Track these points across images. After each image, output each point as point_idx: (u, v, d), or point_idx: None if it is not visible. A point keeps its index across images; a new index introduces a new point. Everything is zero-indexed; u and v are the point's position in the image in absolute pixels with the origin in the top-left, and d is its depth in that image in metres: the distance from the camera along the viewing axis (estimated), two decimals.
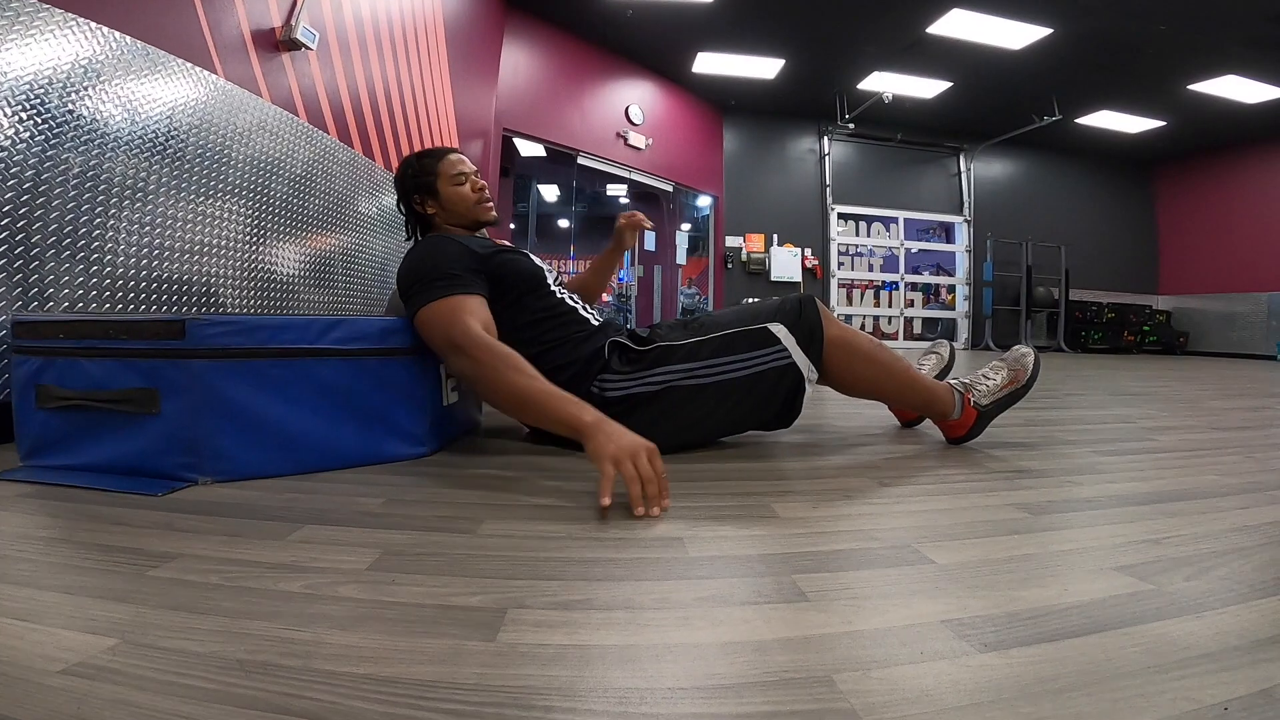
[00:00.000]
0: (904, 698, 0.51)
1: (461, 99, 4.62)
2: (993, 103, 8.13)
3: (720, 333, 1.44)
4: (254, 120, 2.23)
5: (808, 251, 8.92)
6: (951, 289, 9.96)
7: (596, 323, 1.56)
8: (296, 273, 2.46)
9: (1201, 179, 9.71)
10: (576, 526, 0.94)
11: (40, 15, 1.49)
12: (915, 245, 9.86)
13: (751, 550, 0.85)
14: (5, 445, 1.33)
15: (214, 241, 2.02)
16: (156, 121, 1.81)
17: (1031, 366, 1.60)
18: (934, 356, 1.93)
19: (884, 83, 7.64)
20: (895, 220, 9.56)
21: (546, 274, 1.57)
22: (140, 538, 0.84)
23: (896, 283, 9.64)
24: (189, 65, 1.94)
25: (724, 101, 8.59)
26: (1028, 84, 7.44)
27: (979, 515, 1.03)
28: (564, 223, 10.96)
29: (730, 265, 8.62)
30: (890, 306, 9.66)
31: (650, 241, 8.62)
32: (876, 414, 2.06)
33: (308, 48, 2.70)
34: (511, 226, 8.68)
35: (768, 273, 8.68)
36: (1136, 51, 6.47)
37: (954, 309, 9.87)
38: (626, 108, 7.31)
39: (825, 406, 2.33)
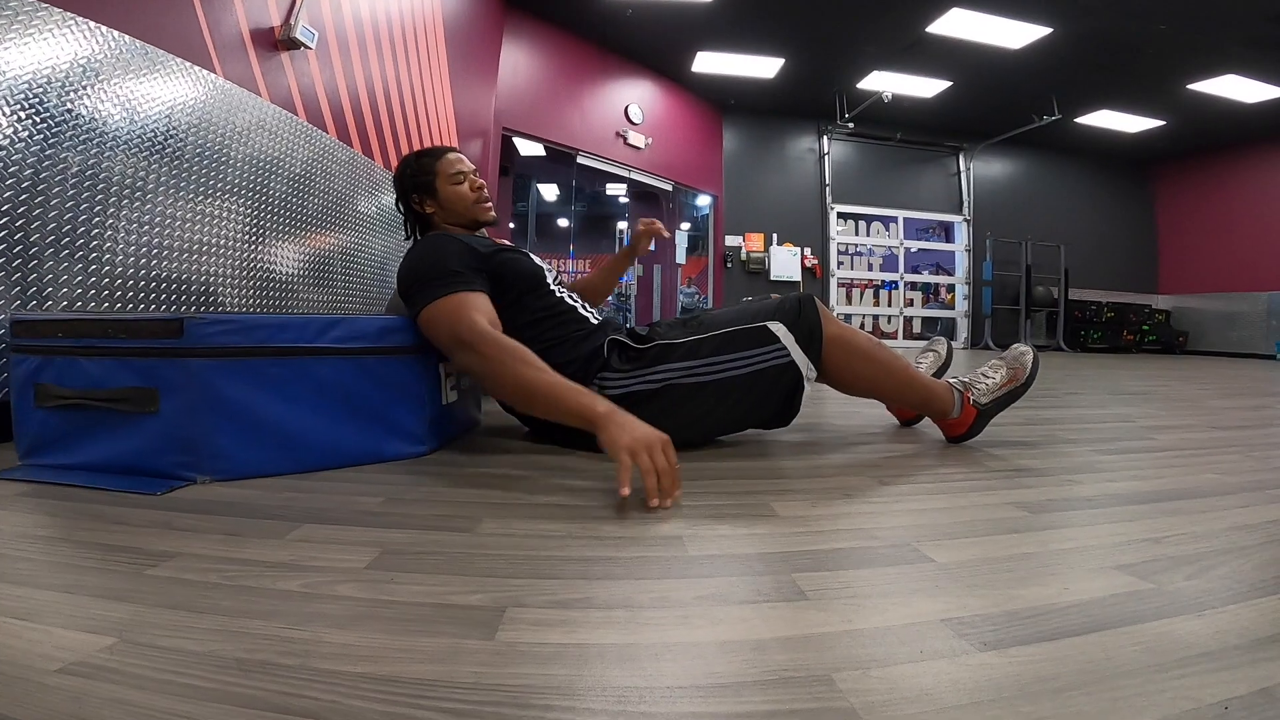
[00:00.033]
0: (903, 697, 0.51)
1: (461, 98, 4.62)
2: (992, 102, 8.12)
3: (719, 331, 1.44)
4: (253, 119, 2.22)
5: (807, 251, 8.92)
6: (951, 288, 9.96)
7: (596, 321, 1.56)
8: (295, 272, 2.45)
9: (1201, 178, 9.71)
10: (576, 525, 0.93)
11: (39, 14, 1.49)
12: (915, 244, 9.86)
13: (751, 549, 0.85)
14: (4, 444, 1.32)
15: (213, 241, 2.02)
16: (155, 121, 1.81)
17: (1030, 365, 1.60)
18: (931, 354, 1.93)
19: (883, 82, 7.64)
20: (895, 219, 9.56)
21: (546, 273, 1.57)
22: (138, 537, 0.84)
23: (896, 282, 9.64)
24: (188, 64, 1.94)
25: (723, 101, 8.58)
26: (1027, 83, 7.44)
27: (979, 514, 1.02)
28: (563, 222, 10.96)
29: (730, 264, 8.62)
30: (890, 306, 9.67)
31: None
32: (876, 413, 2.06)
33: (307, 47, 2.70)
34: (511, 226, 8.68)
35: (767, 272, 8.68)
36: (1136, 51, 6.47)
37: (953, 308, 9.87)
38: (626, 107, 7.31)
39: (824, 405, 2.33)
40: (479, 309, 1.31)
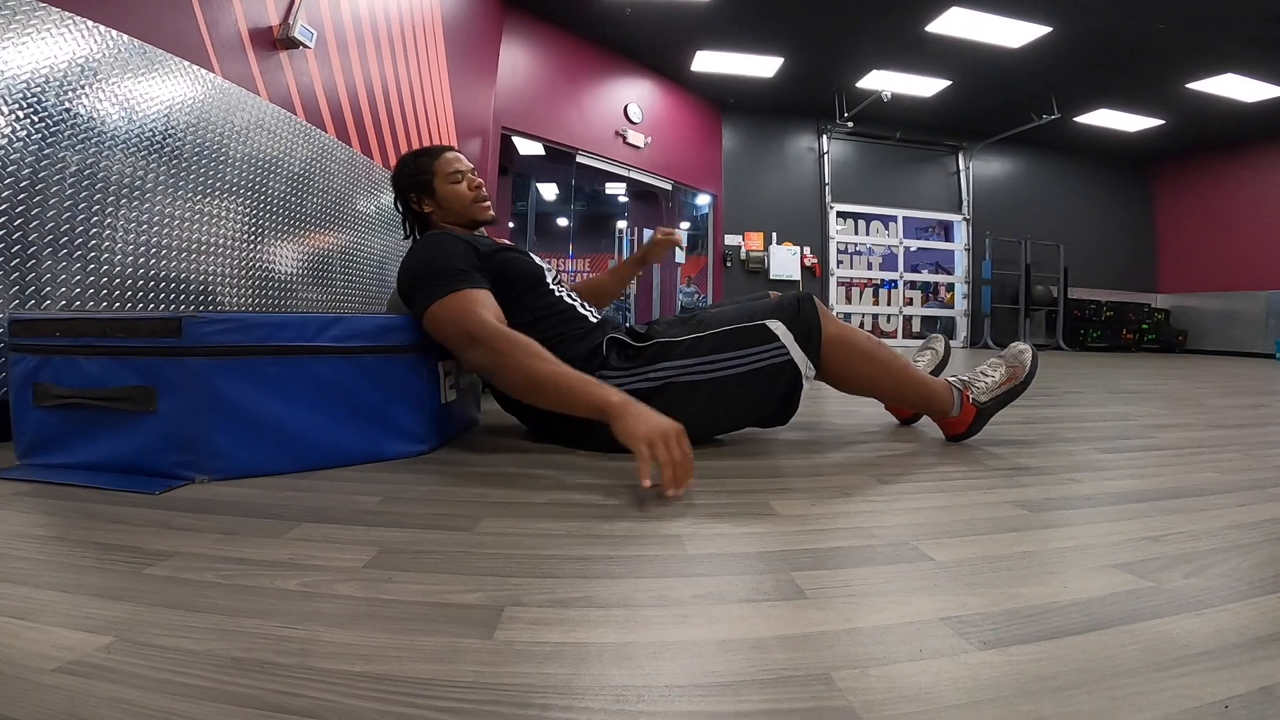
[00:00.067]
0: (902, 695, 0.50)
1: (460, 97, 4.62)
2: (991, 101, 8.12)
3: (718, 329, 1.44)
4: (252, 119, 2.22)
5: (807, 250, 8.92)
6: (950, 287, 9.96)
7: (594, 320, 1.56)
8: (295, 271, 2.45)
9: (1200, 177, 9.72)
10: (574, 524, 0.93)
11: (37, 14, 1.48)
12: (914, 243, 9.87)
13: (750, 548, 0.85)
14: (3, 444, 1.32)
15: (212, 240, 2.02)
16: (154, 120, 1.80)
17: (1030, 363, 1.60)
18: (929, 352, 1.93)
19: (883, 81, 7.64)
20: (894, 218, 9.56)
21: (546, 273, 1.57)
22: (137, 536, 0.84)
23: (895, 281, 9.65)
24: (186, 64, 1.94)
25: (723, 100, 8.58)
26: (1026, 82, 7.44)
27: (978, 512, 1.02)
28: (563, 221, 10.96)
29: (729, 264, 8.62)
30: (889, 305, 9.67)
31: (649, 240, 8.61)
32: (875, 411, 2.05)
33: (306, 46, 2.70)
34: (510, 225, 8.68)
35: (767, 271, 8.68)
36: (1135, 50, 6.47)
37: (953, 307, 9.87)
38: (625, 106, 7.30)
39: (823, 404, 2.33)
40: (485, 305, 1.32)
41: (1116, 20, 5.90)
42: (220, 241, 2.05)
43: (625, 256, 8.33)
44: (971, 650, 0.57)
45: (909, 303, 9.77)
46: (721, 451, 1.48)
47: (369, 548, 0.81)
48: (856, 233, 9.54)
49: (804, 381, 1.44)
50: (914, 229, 9.86)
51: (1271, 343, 8.39)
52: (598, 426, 1.40)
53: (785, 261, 8.75)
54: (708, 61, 7.37)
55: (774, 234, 8.80)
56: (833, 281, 9.14)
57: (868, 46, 6.96)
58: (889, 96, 7.59)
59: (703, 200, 8.82)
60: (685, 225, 9.09)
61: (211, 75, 2.06)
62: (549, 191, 9.80)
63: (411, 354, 1.36)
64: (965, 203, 9.71)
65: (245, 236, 2.17)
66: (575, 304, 1.56)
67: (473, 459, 1.38)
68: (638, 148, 7.39)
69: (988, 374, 1.61)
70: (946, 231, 10.07)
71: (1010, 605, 0.67)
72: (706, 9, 6.14)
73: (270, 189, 2.31)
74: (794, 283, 8.66)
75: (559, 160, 6.94)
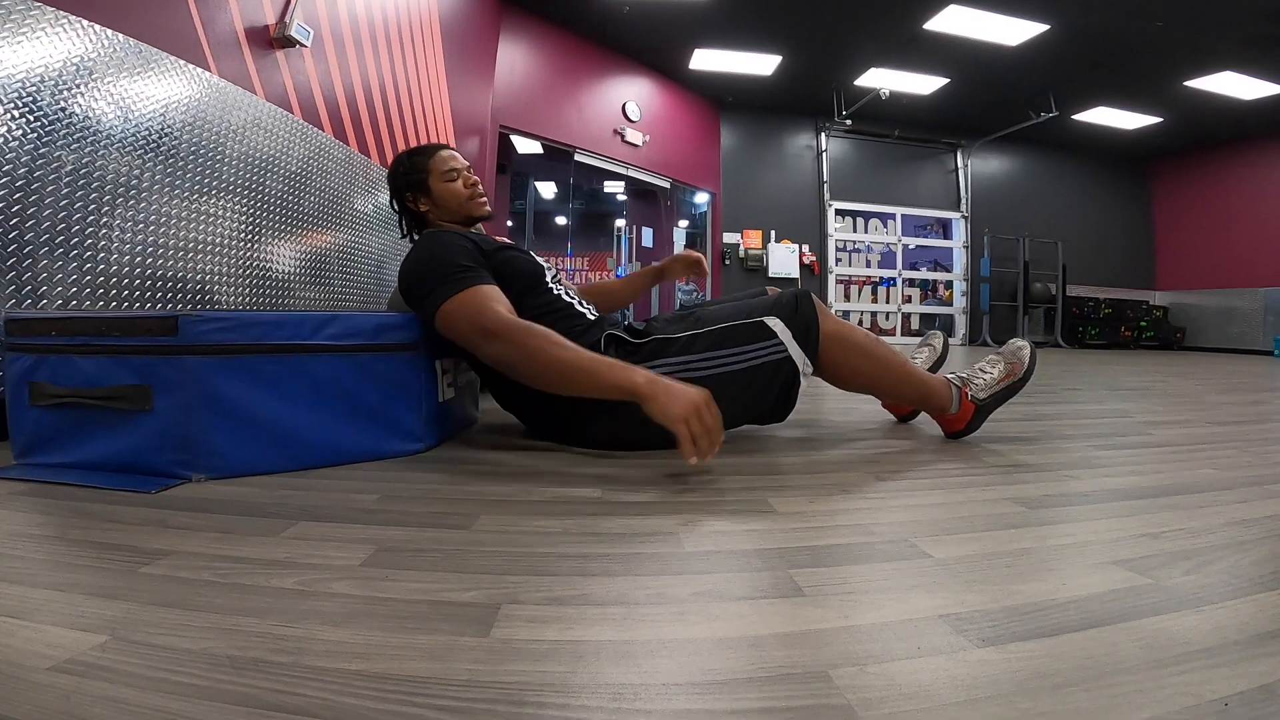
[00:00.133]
0: (901, 693, 0.50)
1: (457, 96, 4.61)
2: (990, 99, 8.12)
3: (716, 326, 1.44)
4: (248, 117, 2.21)
5: (805, 248, 8.92)
6: (949, 285, 9.97)
7: (592, 317, 1.55)
8: (292, 270, 2.45)
9: (1198, 175, 9.72)
10: (572, 522, 0.93)
11: (32, 13, 1.48)
12: (913, 241, 9.88)
13: (748, 545, 0.84)
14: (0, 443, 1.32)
15: (209, 239, 2.01)
16: (150, 119, 1.80)
17: (1028, 359, 1.60)
18: (927, 349, 1.93)
19: (881, 79, 7.64)
20: (893, 216, 9.57)
21: (546, 272, 1.57)
22: (133, 535, 0.84)
23: (894, 278, 9.65)
24: (182, 62, 1.93)
25: (721, 98, 8.58)
26: (1025, 80, 7.44)
27: (976, 509, 1.02)
28: (561, 220, 10.96)
29: (728, 261, 8.62)
30: (888, 302, 9.67)
31: (648, 238, 8.62)
32: (873, 408, 2.05)
33: (302, 45, 2.69)
34: (509, 224, 8.67)
35: (766, 269, 8.68)
36: (1133, 48, 6.47)
37: (951, 305, 9.88)
38: (624, 104, 7.30)
39: (822, 401, 2.33)
40: (498, 301, 1.32)
41: (1114, 18, 5.90)
42: (217, 241, 2.05)
43: (624, 255, 8.37)
44: (970, 648, 0.57)
45: (907, 300, 9.77)
46: (721, 449, 1.47)
47: (366, 546, 0.81)
48: (855, 230, 9.55)
49: (802, 378, 1.44)
50: (912, 226, 9.87)
51: (1269, 340, 8.41)
52: (595, 424, 1.41)
53: (784, 259, 8.75)
54: (706, 59, 7.36)
55: (772, 232, 8.80)
56: (831, 279, 9.14)
57: (866, 44, 6.96)
58: (887, 94, 7.59)
59: (701, 198, 8.82)
60: (684, 223, 9.08)
61: (208, 74, 2.05)
62: (547, 190, 9.80)
63: (409, 352, 1.35)
64: (964, 200, 9.71)
65: (242, 236, 2.17)
66: (573, 301, 1.56)
67: (470, 457, 1.37)
68: (636, 146, 7.39)
69: (986, 371, 1.61)
70: (945, 229, 10.07)
71: (1009, 602, 0.67)
72: (705, 7, 6.13)
73: (267, 188, 2.30)
74: (793, 280, 8.66)
75: (557, 159, 6.94)
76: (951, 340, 9.18)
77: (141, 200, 1.76)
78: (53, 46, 1.52)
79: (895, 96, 7.82)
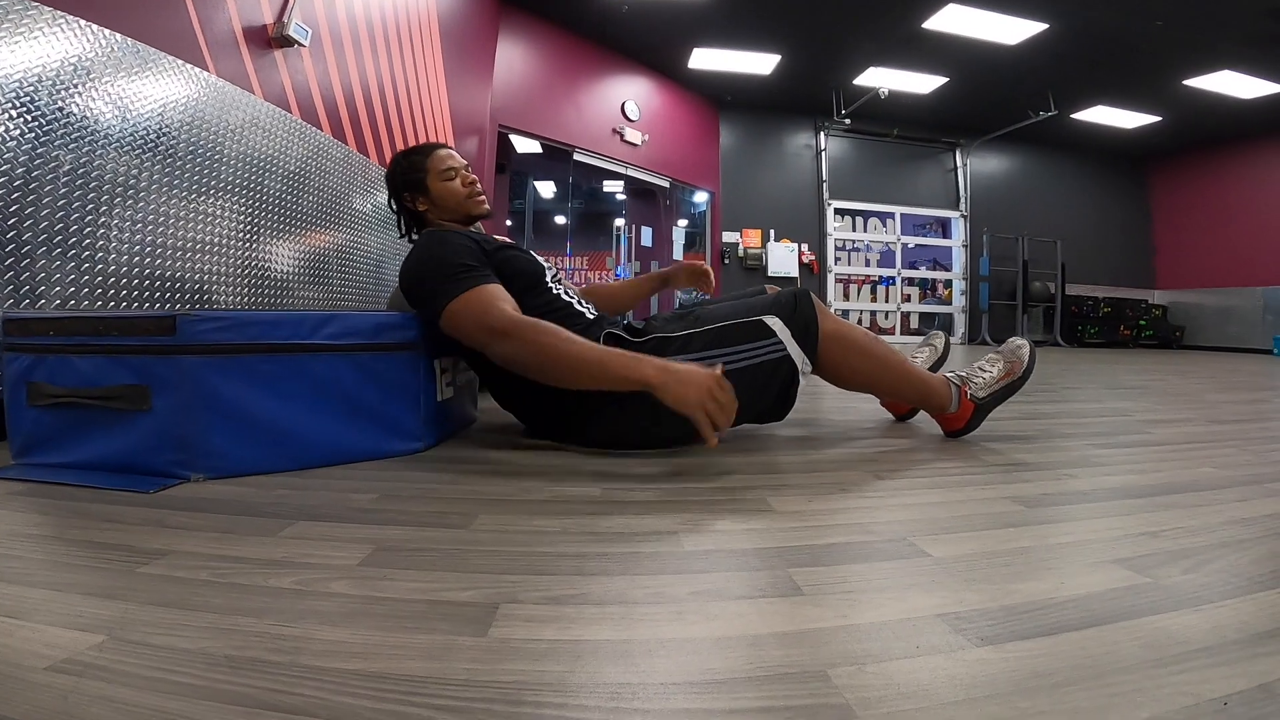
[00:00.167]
0: (899, 692, 0.50)
1: (456, 95, 4.61)
2: (989, 98, 8.12)
3: (715, 325, 1.44)
4: (247, 117, 2.21)
5: (804, 247, 8.92)
6: (948, 284, 9.97)
7: (591, 316, 1.55)
8: (291, 270, 2.44)
9: (1197, 174, 9.73)
10: (570, 521, 0.93)
11: (29, 13, 1.47)
12: (912, 240, 9.88)
13: (746, 544, 0.84)
14: None
15: (207, 239, 2.01)
16: (148, 119, 1.79)
17: (1027, 358, 1.60)
18: (928, 348, 1.93)
19: (880, 78, 7.64)
20: (892, 215, 9.57)
21: (546, 272, 1.56)
22: (131, 535, 0.83)
23: (893, 278, 9.65)
24: (180, 62, 1.93)
25: (720, 97, 8.57)
26: (1024, 79, 7.44)
27: (975, 508, 1.02)
28: (560, 219, 10.95)
29: (727, 260, 8.62)
30: (887, 301, 9.67)
31: (647, 237, 8.62)
32: (872, 407, 2.05)
33: (300, 44, 2.69)
34: (508, 224, 8.67)
35: (765, 268, 8.68)
36: (1132, 47, 6.47)
37: (951, 304, 9.88)
38: (622, 104, 7.29)
39: (821, 400, 2.33)
40: (504, 299, 1.32)
41: (1113, 17, 5.90)
42: (216, 240, 2.05)
43: (624, 255, 8.36)
44: (968, 647, 0.57)
45: (907, 299, 9.78)
46: (718, 448, 1.47)
47: (364, 545, 0.81)
48: (854, 229, 9.55)
49: (801, 377, 1.43)
50: (912, 225, 9.87)
51: (1268, 338, 8.41)
52: (594, 424, 1.41)
53: (783, 258, 8.76)
54: (705, 59, 7.36)
55: (772, 231, 8.81)
56: (830, 278, 9.14)
57: (865, 44, 6.96)
58: (886, 93, 7.58)
59: (700, 198, 8.82)
60: (683, 222, 9.08)
61: (206, 74, 2.05)
62: (546, 189, 9.79)
63: (408, 351, 1.35)
64: (963, 199, 9.72)
65: (241, 235, 2.16)
66: (572, 301, 1.56)
67: (469, 456, 1.37)
68: (635, 145, 7.38)
69: (985, 370, 1.61)
70: (944, 228, 10.08)
71: (1007, 601, 0.67)
72: (703, 6, 6.13)
73: (266, 188, 2.30)
74: (792, 279, 8.66)
75: (556, 158, 6.94)
76: (950, 339, 9.19)
77: (140, 200, 1.76)
78: (50, 46, 1.52)
79: (894, 95, 7.82)
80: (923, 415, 1.85)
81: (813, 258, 8.96)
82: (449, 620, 0.61)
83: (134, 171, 1.74)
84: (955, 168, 9.78)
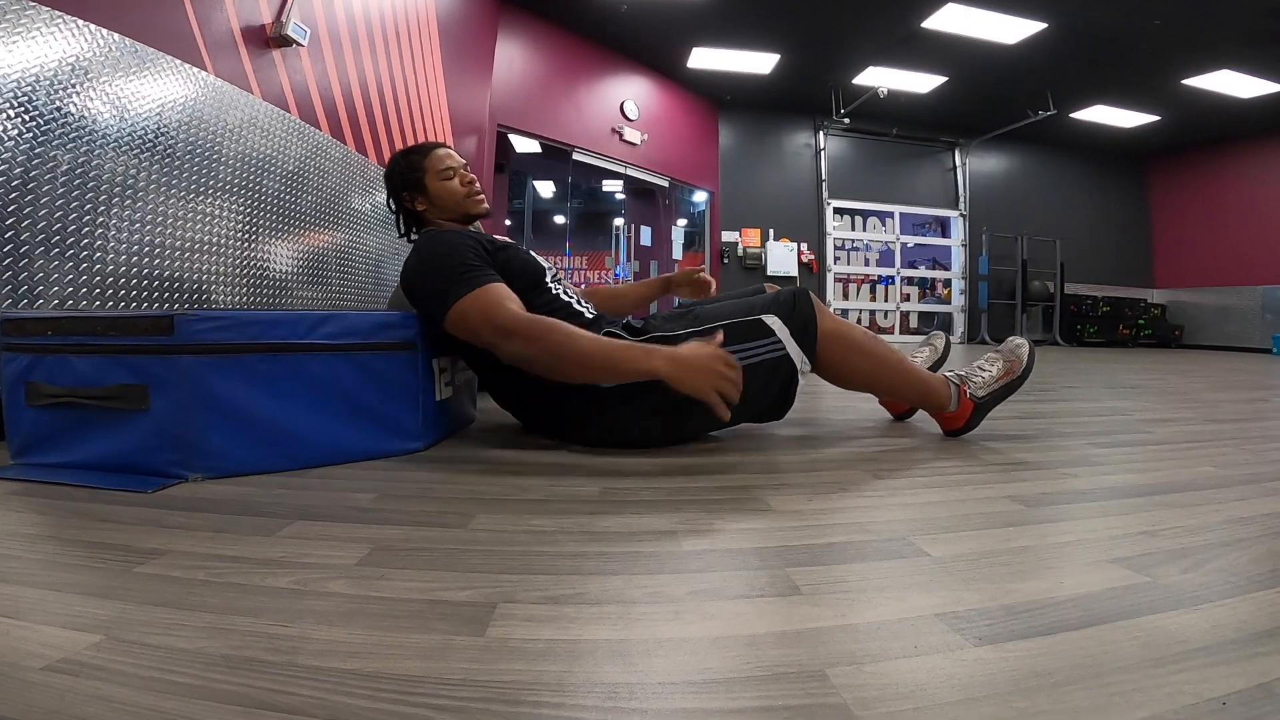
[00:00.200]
0: (897, 692, 0.50)
1: (455, 95, 4.61)
2: (988, 97, 8.12)
3: (715, 324, 1.43)
4: (245, 117, 2.21)
5: (804, 246, 8.92)
6: (948, 283, 9.97)
7: (590, 315, 1.55)
8: (290, 270, 2.44)
9: (1196, 173, 9.73)
10: (568, 520, 0.93)
11: (27, 13, 1.47)
12: (911, 240, 9.87)
13: (745, 543, 0.84)
14: None
15: (206, 239, 2.01)
16: (146, 118, 1.79)
17: (1027, 357, 1.60)
18: (929, 348, 1.93)
19: (879, 77, 7.63)
20: (891, 215, 9.57)
21: (546, 272, 1.56)
22: (128, 534, 0.83)
23: (893, 277, 9.65)
24: (178, 62, 1.93)
25: (719, 96, 8.57)
26: (1022, 79, 7.44)
27: (974, 507, 1.02)
28: (559, 219, 10.95)
29: (727, 260, 8.62)
30: (886, 300, 9.67)
31: (646, 237, 8.63)
32: (871, 406, 2.05)
33: (299, 44, 2.69)
34: (507, 223, 8.67)
35: (764, 267, 8.68)
36: (1131, 46, 6.47)
37: (950, 303, 9.89)
38: (622, 103, 7.29)
39: (820, 399, 2.33)
40: (510, 298, 1.33)
41: (1112, 16, 5.90)
42: (214, 240, 2.04)
43: (623, 254, 8.36)
44: (967, 646, 0.57)
45: (906, 299, 9.77)
46: (717, 446, 1.47)
47: (362, 545, 0.81)
48: (853, 229, 9.54)
49: (800, 376, 1.44)
50: (911, 225, 9.87)
51: (1267, 337, 8.41)
52: (593, 423, 1.41)
53: (782, 257, 8.76)
54: (704, 58, 7.36)
55: (771, 230, 8.81)
56: (830, 277, 9.14)
57: (864, 43, 6.96)
58: (885, 93, 7.59)
59: (700, 197, 8.82)
60: (682, 222, 9.09)
61: (204, 73, 2.05)
62: (545, 189, 9.79)
63: (406, 351, 1.35)
64: (962, 199, 9.72)
65: (239, 235, 2.16)
66: (571, 300, 1.56)
67: (468, 456, 1.37)
68: (634, 145, 7.38)
69: (985, 369, 1.61)
70: (943, 227, 10.07)
71: (1006, 601, 0.67)
72: (703, 6, 6.13)
73: (264, 187, 2.30)
74: (791, 278, 8.66)
75: (555, 157, 6.94)
76: (951, 340, 9.20)
77: (138, 200, 1.76)
78: (48, 46, 1.52)
79: (893, 95, 7.82)
80: (922, 414, 1.85)
81: (812, 257, 8.96)
82: (447, 620, 0.61)
83: (132, 171, 1.74)
84: (954, 167, 9.79)
